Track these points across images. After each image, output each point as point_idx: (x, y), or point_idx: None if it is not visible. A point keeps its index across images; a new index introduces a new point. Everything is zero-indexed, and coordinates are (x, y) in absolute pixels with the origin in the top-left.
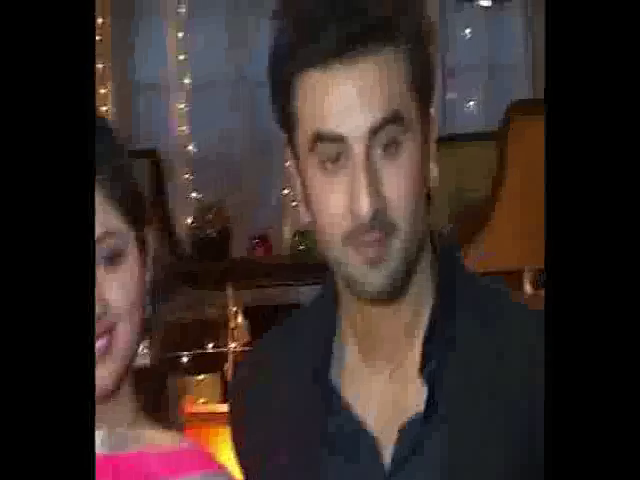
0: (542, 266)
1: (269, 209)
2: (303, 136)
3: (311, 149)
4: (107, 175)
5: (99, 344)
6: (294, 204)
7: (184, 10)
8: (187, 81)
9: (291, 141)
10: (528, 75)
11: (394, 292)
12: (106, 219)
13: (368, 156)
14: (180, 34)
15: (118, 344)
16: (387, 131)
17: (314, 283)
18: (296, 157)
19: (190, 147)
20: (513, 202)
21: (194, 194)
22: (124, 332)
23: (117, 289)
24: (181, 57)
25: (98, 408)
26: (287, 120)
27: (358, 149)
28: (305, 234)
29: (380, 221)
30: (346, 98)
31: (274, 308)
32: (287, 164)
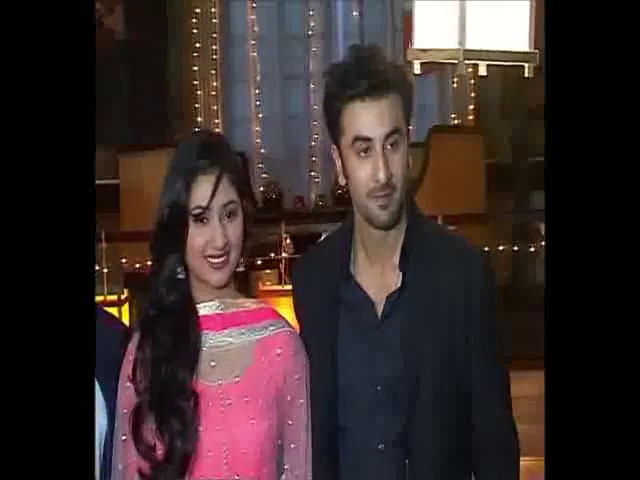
0: None
1: (304, 182)
2: (347, 138)
3: (351, 146)
4: (230, 167)
5: (220, 260)
6: (317, 180)
7: None
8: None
9: (337, 142)
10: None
11: (393, 223)
12: (229, 192)
13: (383, 149)
14: None
15: (230, 261)
16: (393, 136)
17: (329, 221)
18: (340, 150)
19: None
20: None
21: (264, 174)
22: (234, 255)
23: (232, 232)
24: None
25: (216, 293)
26: (336, 130)
27: (378, 145)
28: (324, 196)
29: (388, 184)
30: (373, 118)
31: (306, 236)
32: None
